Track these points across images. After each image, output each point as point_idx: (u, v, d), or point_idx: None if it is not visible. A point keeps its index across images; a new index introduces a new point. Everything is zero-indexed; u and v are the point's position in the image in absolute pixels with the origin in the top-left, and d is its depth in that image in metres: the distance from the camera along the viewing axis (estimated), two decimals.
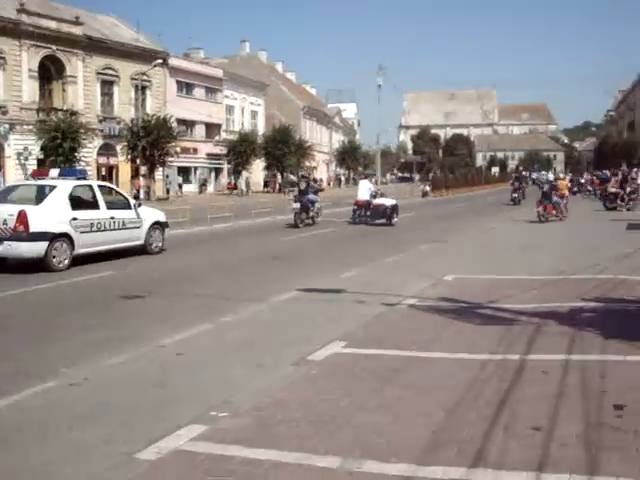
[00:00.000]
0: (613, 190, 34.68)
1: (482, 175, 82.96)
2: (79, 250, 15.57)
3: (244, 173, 65.42)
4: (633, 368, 6.47)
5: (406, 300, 10.53)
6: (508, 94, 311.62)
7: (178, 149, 53.89)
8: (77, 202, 16.12)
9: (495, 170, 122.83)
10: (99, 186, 17.62)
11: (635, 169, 34.48)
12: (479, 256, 16.37)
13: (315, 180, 73.26)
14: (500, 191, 68.76)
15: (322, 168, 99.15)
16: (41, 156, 45.60)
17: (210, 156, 66.63)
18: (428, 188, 54.75)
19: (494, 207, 39.48)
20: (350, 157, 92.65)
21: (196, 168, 65.64)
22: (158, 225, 18.41)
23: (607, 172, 58.82)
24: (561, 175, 55.79)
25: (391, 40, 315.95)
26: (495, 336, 7.92)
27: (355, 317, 9.39)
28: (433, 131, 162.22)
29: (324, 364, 7.06)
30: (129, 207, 17.53)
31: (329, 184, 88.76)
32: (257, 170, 69.98)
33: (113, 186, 21.06)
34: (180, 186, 58.78)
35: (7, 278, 13.86)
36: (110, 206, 16.93)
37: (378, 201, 27.10)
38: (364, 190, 27.66)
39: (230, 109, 73.26)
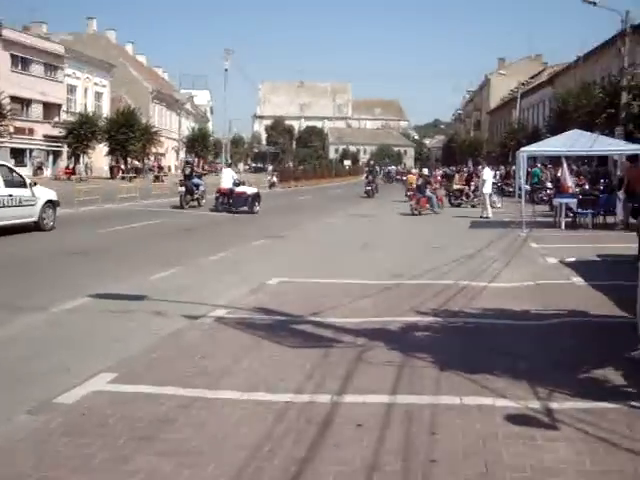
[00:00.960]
0: (458, 187, 34.53)
1: (333, 168, 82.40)
2: None
3: (84, 157, 61.32)
4: (470, 417, 5.02)
5: (215, 311, 8.78)
6: (363, 89, 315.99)
7: (11, 129, 49.49)
8: None
9: (347, 163, 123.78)
10: None
11: (480, 166, 34.42)
12: (314, 255, 14.92)
13: (160, 167, 70.94)
14: (351, 184, 68.62)
15: (171, 155, 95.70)
16: None
17: (48, 138, 61.87)
18: (275, 179, 53.22)
19: (343, 200, 38.51)
20: (200, 145, 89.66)
21: (31, 150, 60.80)
22: (50, 203, 19.59)
23: (453, 168, 60.23)
24: (413, 170, 56.06)
25: (249, 28, 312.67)
26: (307, 365, 6.32)
27: (145, 335, 7.55)
28: (287, 122, 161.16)
29: (72, 411, 5.19)
30: (25, 186, 18.69)
31: (176, 171, 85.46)
32: (99, 155, 65.91)
33: (11, 165, 21.49)
34: None
35: None
36: (8, 184, 17.94)
37: (240, 189, 27.29)
38: (227, 178, 27.91)
39: (72, 89, 68.64)
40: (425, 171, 35.78)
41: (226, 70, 43.11)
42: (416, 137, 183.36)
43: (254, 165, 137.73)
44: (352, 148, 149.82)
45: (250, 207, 26.92)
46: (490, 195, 27.43)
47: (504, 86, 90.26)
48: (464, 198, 33.60)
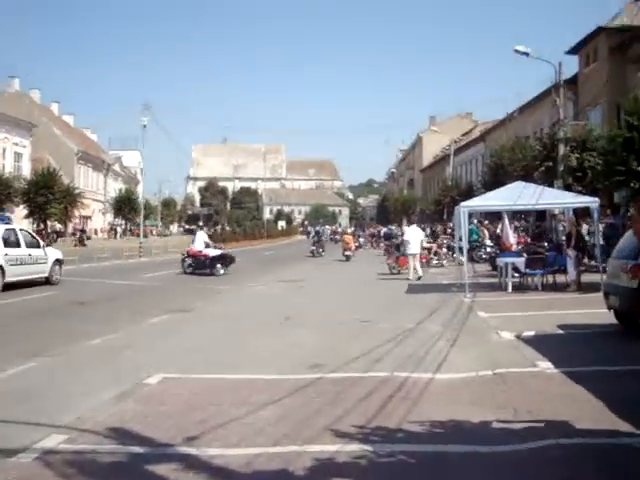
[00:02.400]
0: (427, 245, 32.34)
1: (264, 229, 79.80)
2: (7, 279, 19.67)
3: None
4: None
5: (48, 438, 6.03)
6: (296, 150, 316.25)
7: None
8: (6, 242, 20.21)
9: (282, 224, 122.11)
10: (20, 229, 22.35)
11: (404, 224, 32.26)
12: (220, 336, 12.23)
13: (83, 231, 67.40)
14: (283, 245, 66.25)
15: (99, 218, 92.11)
16: None
17: None
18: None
19: (273, 263, 35.94)
20: (127, 207, 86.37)
21: None
22: (58, 262, 23.06)
23: (392, 227, 58.62)
24: (348, 230, 54.97)
25: (181, 87, 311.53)
26: None
27: None
28: (221, 183, 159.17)
29: None
30: (39, 246, 22.13)
31: (101, 234, 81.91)
32: (18, 218, 61.95)
33: (29, 230, 26.48)
34: None
35: None
36: (27, 245, 21.31)
37: (199, 251, 27.70)
38: (199, 241, 28.31)
39: None
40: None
41: (144, 126, 40.37)
42: (350, 197, 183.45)
43: (187, 227, 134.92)
44: (286, 208, 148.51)
45: (209, 268, 27.05)
46: (415, 256, 25.36)
47: (436, 144, 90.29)
48: (432, 256, 31.57)
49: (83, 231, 64.72)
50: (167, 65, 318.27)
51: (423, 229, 38.16)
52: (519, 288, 19.13)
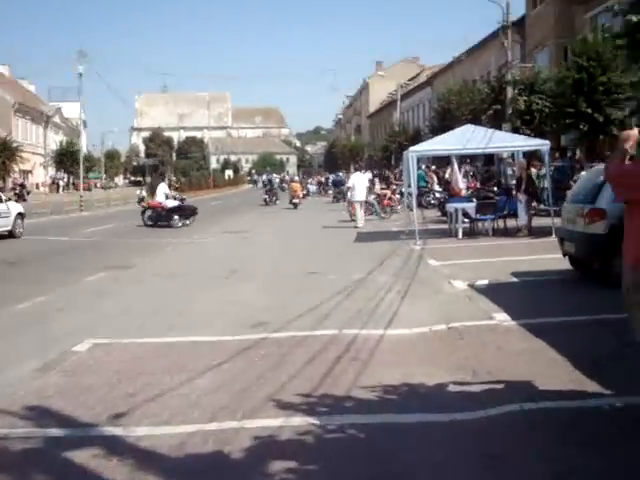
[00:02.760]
0: (380, 192, 31.74)
1: (211, 178, 78.18)
2: None
3: None
4: None
5: None
6: (242, 98, 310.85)
7: None
8: None
9: (229, 173, 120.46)
10: None
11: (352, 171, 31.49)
12: (159, 294, 11.55)
13: (22, 186, 65.10)
14: (230, 195, 65.18)
15: (40, 172, 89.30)
16: None
17: None
18: (145, 193, 48.87)
19: (220, 213, 35.07)
20: (69, 159, 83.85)
21: None
22: (20, 215, 23.64)
23: (340, 174, 57.88)
24: (296, 178, 54.16)
25: (123, 32, 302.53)
26: None
27: None
28: (166, 134, 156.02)
29: None
30: (1, 201, 22.72)
31: (42, 189, 79.52)
32: None
33: None
34: None
35: None
36: None
37: (156, 202, 27.29)
38: (159, 192, 27.71)
39: None
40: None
41: (80, 75, 38.31)
42: (298, 144, 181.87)
43: (133, 179, 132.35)
44: (233, 157, 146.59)
45: (168, 220, 26.57)
46: (362, 203, 24.95)
47: (383, 89, 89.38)
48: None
49: (22, 186, 62.46)
50: (105, 12, 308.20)
51: (374, 176, 37.78)
52: (469, 234, 18.77)
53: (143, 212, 27.75)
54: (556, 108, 25.66)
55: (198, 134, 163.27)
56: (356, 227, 24.09)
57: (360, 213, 24.77)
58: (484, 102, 34.37)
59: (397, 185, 35.01)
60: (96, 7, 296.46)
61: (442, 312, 8.99)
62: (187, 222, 27.09)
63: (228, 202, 49.85)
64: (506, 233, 18.78)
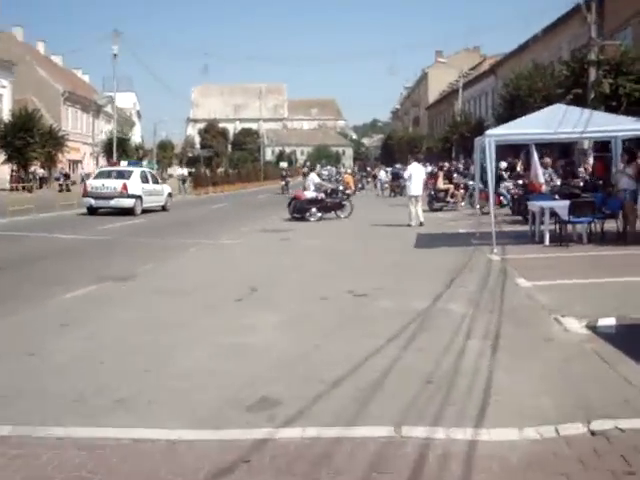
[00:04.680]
0: (443, 187, 28.24)
1: (261, 170, 75.00)
2: (144, 205, 27.78)
3: None
4: None
5: None
6: (298, 89, 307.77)
7: None
8: (141, 179, 28.49)
9: (283, 165, 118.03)
10: (148, 171, 32.03)
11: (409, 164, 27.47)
12: (144, 327, 8.19)
13: (67, 176, 62.97)
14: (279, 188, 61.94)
15: (90, 161, 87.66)
16: None
17: None
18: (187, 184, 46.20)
19: (262, 209, 31.82)
20: (119, 150, 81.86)
21: None
22: (169, 195, 31.25)
23: (398, 166, 54.10)
24: (349, 170, 51.13)
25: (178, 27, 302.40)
26: None
27: None
28: (222, 125, 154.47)
29: None
30: (158, 183, 31.03)
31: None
32: None
33: (153, 171, 36.16)
34: None
35: None
36: (153, 182, 30.14)
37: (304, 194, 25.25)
38: (309, 184, 26.30)
39: None
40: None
41: (115, 55, 35.18)
42: (354, 137, 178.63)
43: (188, 170, 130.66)
44: (288, 149, 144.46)
45: (302, 213, 24.44)
46: (418, 197, 21.45)
47: (442, 80, 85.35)
48: (450, 199, 27.50)
49: (67, 176, 60.28)
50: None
51: (439, 168, 34.06)
52: (558, 240, 15.04)
53: (289, 203, 25.50)
54: None
55: (254, 126, 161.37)
56: (409, 225, 20.68)
57: (416, 210, 21.26)
58: (561, 86, 30.26)
59: (461, 179, 31.26)
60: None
61: (566, 386, 5.46)
62: (327, 216, 24.39)
63: (276, 195, 46.67)
64: (603, 240, 15.02)
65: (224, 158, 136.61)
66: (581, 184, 20.80)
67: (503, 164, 28.70)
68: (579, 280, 10.32)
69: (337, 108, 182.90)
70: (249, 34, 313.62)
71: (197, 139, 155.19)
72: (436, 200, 27.29)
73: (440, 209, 26.88)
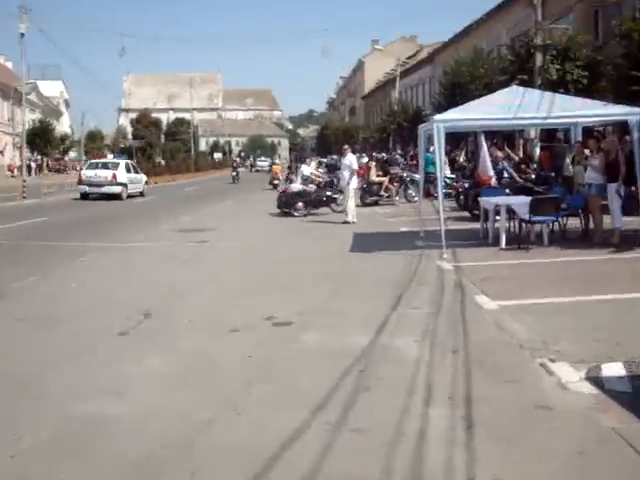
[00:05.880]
0: (376, 179, 25.95)
1: (192, 161, 71.76)
2: (128, 191, 32.24)
3: None
4: None
5: None
6: (233, 79, 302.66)
7: None
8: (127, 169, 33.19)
9: (218, 156, 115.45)
10: (131, 162, 36.67)
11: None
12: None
13: None
14: (213, 180, 59.12)
15: (13, 153, 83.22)
16: None
17: None
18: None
19: (187, 203, 29.27)
20: (42, 140, 77.72)
21: None
22: (146, 182, 35.57)
23: (334, 157, 51.98)
24: (277, 161, 49.21)
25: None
26: None
27: None
28: (155, 115, 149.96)
29: None
30: (138, 173, 34.99)
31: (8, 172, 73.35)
32: None
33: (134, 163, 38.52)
34: None
35: None
36: (134, 172, 34.59)
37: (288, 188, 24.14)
38: (299, 176, 24.92)
39: None
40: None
41: (22, 35, 31.61)
42: (290, 127, 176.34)
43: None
44: (223, 140, 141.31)
45: (288, 208, 22.07)
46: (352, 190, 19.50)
47: (379, 69, 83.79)
48: (384, 193, 25.24)
49: None
50: None
51: (373, 159, 31.88)
52: (514, 241, 13.05)
53: (278, 197, 23.41)
54: (616, 72, 19.99)
55: (187, 116, 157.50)
56: (346, 222, 18.60)
57: (351, 204, 19.21)
58: (505, 72, 28.53)
59: (400, 170, 29.20)
60: None
61: None
62: (316, 210, 22.04)
63: (207, 187, 44.10)
64: (565, 240, 13.12)
65: (157, 149, 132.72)
66: (532, 177, 18.99)
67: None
68: (555, 298, 8.28)
69: (273, 98, 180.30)
70: (177, 15, 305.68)
71: (129, 129, 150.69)
72: (369, 194, 25.03)
73: (375, 203, 24.70)
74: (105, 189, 30.83)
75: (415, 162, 33.06)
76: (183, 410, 5.00)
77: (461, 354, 6.10)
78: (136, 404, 5.17)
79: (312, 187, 23.16)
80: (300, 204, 21.88)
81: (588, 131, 16.31)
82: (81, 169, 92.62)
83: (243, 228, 18.81)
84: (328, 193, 22.27)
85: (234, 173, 50.77)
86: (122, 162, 33.92)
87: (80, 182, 31.98)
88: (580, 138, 14.95)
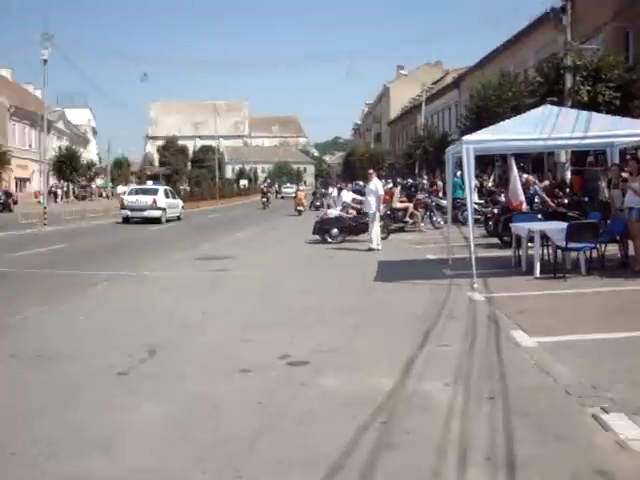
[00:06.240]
0: (400, 205, 25.16)
1: (215, 187, 71.06)
2: (167, 215, 34.44)
3: None
4: None
5: None
6: (259, 106, 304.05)
7: None
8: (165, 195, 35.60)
9: (244, 182, 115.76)
10: (169, 189, 39.22)
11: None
12: None
13: (9, 194, 59.09)
14: (238, 206, 58.71)
15: (40, 179, 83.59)
16: None
17: None
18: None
19: (209, 229, 28.76)
20: (68, 167, 77.97)
21: None
22: (183, 208, 38.49)
23: (360, 183, 51.31)
24: (301, 187, 49.12)
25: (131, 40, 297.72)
26: None
27: None
28: (181, 142, 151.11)
29: None
30: (175, 198, 38.19)
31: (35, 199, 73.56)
32: None
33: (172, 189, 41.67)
34: None
35: None
36: (173, 197, 37.04)
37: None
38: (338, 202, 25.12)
39: None
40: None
41: (45, 61, 31.58)
42: (316, 154, 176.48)
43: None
44: (249, 167, 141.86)
45: (322, 234, 21.48)
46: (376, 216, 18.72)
47: (404, 94, 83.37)
48: (408, 219, 24.42)
49: (8, 194, 56.43)
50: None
51: (396, 184, 31.05)
52: (549, 269, 12.25)
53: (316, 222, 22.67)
54: None
55: (214, 143, 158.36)
56: (370, 249, 17.92)
57: (376, 230, 18.52)
58: (534, 94, 27.74)
59: (424, 196, 28.43)
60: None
61: None
62: (345, 237, 21.18)
63: (230, 215, 43.58)
64: (605, 269, 12.27)
65: (183, 176, 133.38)
66: (565, 201, 18.16)
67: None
68: (600, 334, 7.49)
69: (299, 125, 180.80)
70: (198, 40, 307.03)
71: (156, 156, 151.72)
72: (393, 220, 24.18)
73: (400, 230, 23.88)
74: (146, 213, 32.81)
75: (434, 188, 32.48)
76: (176, 472, 4.30)
77: (499, 401, 5.34)
78: (124, 463, 4.48)
79: (353, 213, 22.49)
80: (335, 230, 21.19)
81: (622, 154, 15.49)
82: (107, 196, 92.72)
83: (266, 256, 18.15)
84: (364, 220, 21.35)
85: (264, 199, 51.49)
86: (161, 188, 36.33)
87: (122, 207, 34.19)
88: (617, 160, 14.14)
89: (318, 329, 8.42)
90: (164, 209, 33.78)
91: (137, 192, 35.53)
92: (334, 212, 22.64)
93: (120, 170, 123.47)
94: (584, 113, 12.32)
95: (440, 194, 28.27)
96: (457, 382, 5.92)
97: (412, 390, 5.76)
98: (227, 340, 8.03)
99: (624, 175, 13.39)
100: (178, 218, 35.77)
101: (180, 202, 37.88)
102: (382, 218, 20.25)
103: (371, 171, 20.58)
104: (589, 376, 5.91)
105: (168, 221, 33.80)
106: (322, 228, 21.43)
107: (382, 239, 19.79)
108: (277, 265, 15.87)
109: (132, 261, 16.55)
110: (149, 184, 41.26)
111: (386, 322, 8.76)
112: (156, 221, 32.42)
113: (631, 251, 12.56)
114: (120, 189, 44.84)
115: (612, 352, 6.80)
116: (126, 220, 33.23)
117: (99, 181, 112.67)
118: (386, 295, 10.93)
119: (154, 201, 33.19)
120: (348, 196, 24.46)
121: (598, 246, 12.25)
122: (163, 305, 10.67)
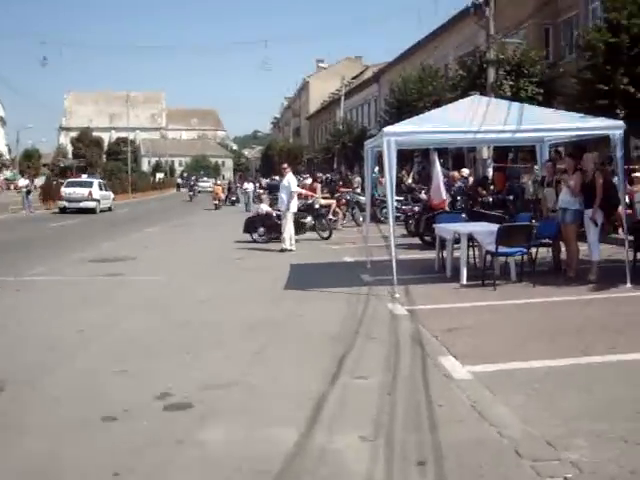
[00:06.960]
0: (323, 202, 23.66)
1: (128, 182, 67.91)
2: (101, 206, 37.47)
3: None
4: None
5: None
6: (177, 98, 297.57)
7: None
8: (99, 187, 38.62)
9: (160, 176, 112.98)
10: (101, 181, 42.13)
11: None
12: None
13: None
14: (151, 200, 56.51)
15: None
16: None
17: None
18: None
19: (114, 227, 26.93)
20: None
21: None
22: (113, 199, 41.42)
23: (276, 178, 49.94)
24: (218, 182, 48.03)
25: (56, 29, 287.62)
26: None
27: None
28: (96, 134, 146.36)
29: None
30: (106, 190, 40.27)
31: None
32: None
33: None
34: None
35: None
36: (105, 189, 40.03)
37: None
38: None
39: None
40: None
41: None
42: (235, 148, 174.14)
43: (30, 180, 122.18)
44: (167, 160, 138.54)
45: (251, 232, 19.76)
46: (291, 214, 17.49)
47: (324, 89, 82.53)
48: (332, 217, 22.69)
49: None
50: None
51: (316, 180, 29.69)
52: (476, 275, 11.16)
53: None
54: (581, 85, 18.46)
55: (130, 135, 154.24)
56: (283, 250, 16.61)
57: (289, 229, 17.22)
58: (456, 88, 26.98)
59: (344, 192, 27.35)
60: None
61: None
62: (274, 236, 18.80)
63: (141, 209, 41.59)
64: (534, 274, 11.23)
65: (98, 168, 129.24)
66: (490, 200, 17.26)
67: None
68: (543, 361, 6.33)
69: (218, 118, 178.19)
70: (118, 27, 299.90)
71: (70, 148, 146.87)
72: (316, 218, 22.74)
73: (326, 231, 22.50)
74: (82, 204, 35.34)
75: (342, 184, 32.06)
76: None
77: (430, 469, 4.07)
78: None
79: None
80: (261, 229, 19.43)
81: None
82: (16, 189, 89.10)
83: (171, 256, 16.59)
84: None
85: (191, 192, 55.42)
86: (95, 181, 39.42)
87: (60, 198, 36.69)
88: (546, 156, 13.18)
89: (212, 355, 7.01)
90: (98, 200, 36.43)
91: (74, 184, 37.95)
92: (265, 207, 20.75)
93: (30, 162, 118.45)
94: (516, 104, 11.25)
95: (358, 190, 27.14)
96: (377, 435, 4.64)
97: (321, 449, 4.44)
98: (97, 371, 6.53)
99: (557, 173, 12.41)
100: (109, 209, 38.29)
101: (111, 194, 40.55)
102: (314, 215, 19.60)
103: (285, 166, 19.26)
104: (540, 424, 4.72)
105: (102, 211, 36.48)
106: (248, 226, 19.80)
107: (325, 238, 19.23)
108: (181, 268, 14.32)
109: (15, 263, 14.73)
110: (84, 177, 45.51)
111: (294, 344, 7.41)
112: (91, 211, 35.11)
113: (563, 255, 11.63)
114: (21, 182, 41.88)
115: (560, 386, 5.65)
116: (63, 210, 35.48)
117: (7, 173, 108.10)
118: (297, 306, 9.57)
119: (90, 193, 35.92)
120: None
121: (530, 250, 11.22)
122: (33, 320, 9.03)
